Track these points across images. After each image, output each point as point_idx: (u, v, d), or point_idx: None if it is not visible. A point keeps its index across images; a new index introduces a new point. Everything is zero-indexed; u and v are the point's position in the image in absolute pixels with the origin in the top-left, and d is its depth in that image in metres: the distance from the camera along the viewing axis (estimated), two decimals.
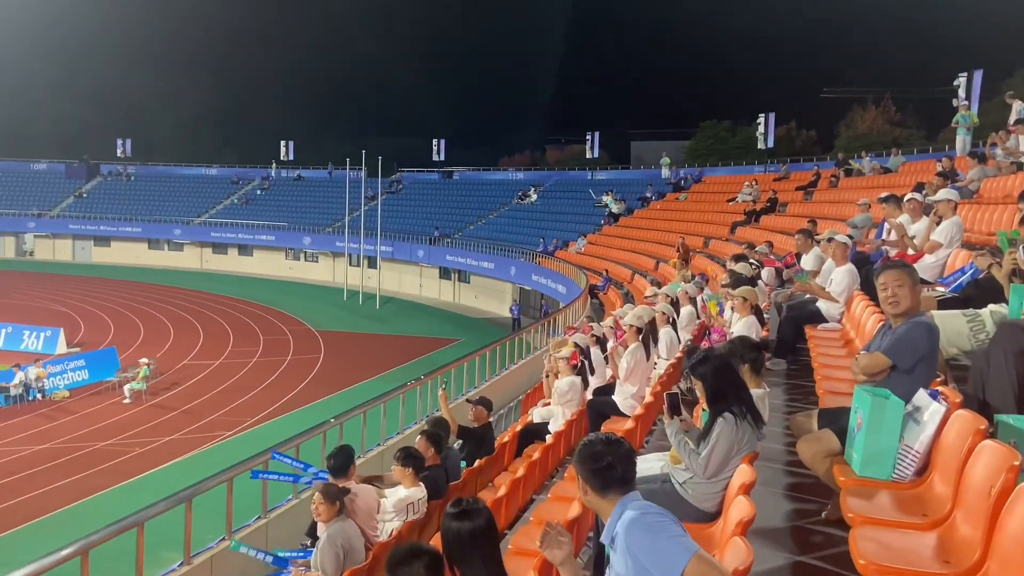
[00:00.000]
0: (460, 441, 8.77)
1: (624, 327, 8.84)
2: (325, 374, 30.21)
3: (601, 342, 9.94)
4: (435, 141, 64.89)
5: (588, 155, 58.46)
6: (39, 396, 26.01)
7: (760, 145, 44.81)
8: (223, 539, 7.88)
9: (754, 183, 36.05)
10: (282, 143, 70.65)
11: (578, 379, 9.02)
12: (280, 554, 6.19)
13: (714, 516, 4.37)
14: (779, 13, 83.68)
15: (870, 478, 3.79)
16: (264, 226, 60.81)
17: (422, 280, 53.45)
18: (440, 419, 8.35)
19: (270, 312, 44.21)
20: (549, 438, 8.35)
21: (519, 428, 9.71)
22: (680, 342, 10.05)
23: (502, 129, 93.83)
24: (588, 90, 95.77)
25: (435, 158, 64.76)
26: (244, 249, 62.50)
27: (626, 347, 8.59)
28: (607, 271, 32.14)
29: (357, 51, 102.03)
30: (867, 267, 9.23)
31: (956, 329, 4.68)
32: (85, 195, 69.67)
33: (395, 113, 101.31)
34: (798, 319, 8.77)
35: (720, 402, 4.41)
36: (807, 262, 10.70)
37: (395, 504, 6.40)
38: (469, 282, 50.45)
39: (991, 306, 5.01)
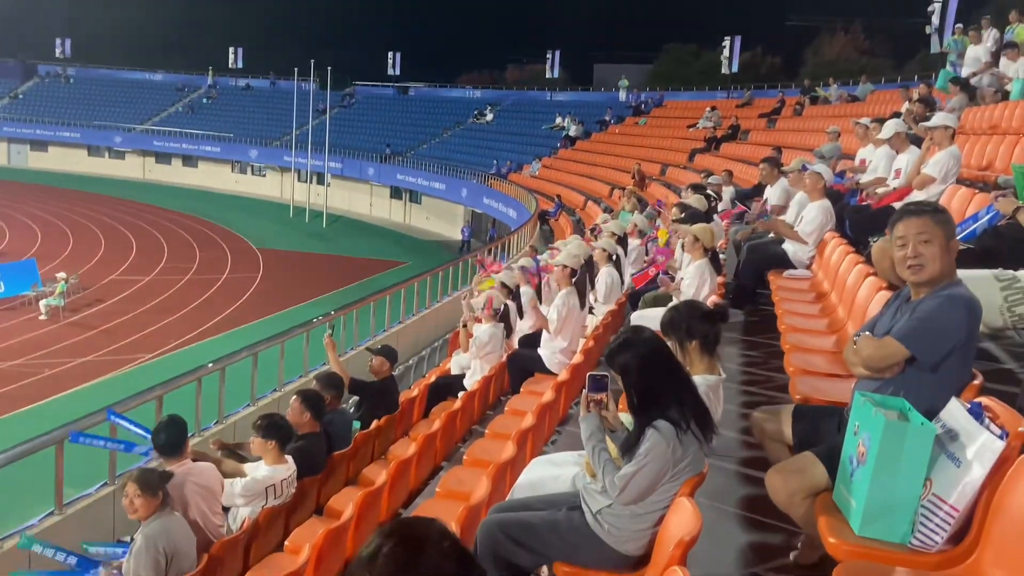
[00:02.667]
0: (356, 398, 7.49)
1: (555, 267, 7.50)
2: (260, 295, 28.70)
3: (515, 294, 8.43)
4: (390, 54, 62.19)
5: (548, 75, 56.37)
6: None
7: (724, 70, 43.25)
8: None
9: (715, 109, 34.69)
10: (231, 50, 67.28)
11: (500, 327, 7.73)
12: (91, 549, 4.91)
13: (637, 563, 3.14)
14: None
15: (876, 541, 2.52)
16: (209, 136, 58.16)
17: (372, 199, 51.63)
18: (330, 374, 7.02)
19: (210, 227, 42.24)
20: (462, 395, 7.08)
21: (432, 379, 8.45)
22: (624, 284, 8.79)
23: (462, 44, 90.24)
24: (551, 7, 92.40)
25: (390, 72, 62.18)
26: (188, 160, 60.00)
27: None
28: (559, 196, 30.77)
29: None
30: (841, 204, 8.01)
31: (984, 298, 3.31)
32: (21, 96, 66.19)
33: (350, 23, 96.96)
34: (760, 263, 7.54)
35: (651, 407, 3.12)
36: (772, 195, 9.41)
37: (245, 488, 5.12)
38: (420, 203, 48.79)
39: None
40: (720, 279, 7.11)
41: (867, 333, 3.19)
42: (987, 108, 11.99)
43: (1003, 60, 13.32)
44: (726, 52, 43.14)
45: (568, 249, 7.80)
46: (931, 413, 2.71)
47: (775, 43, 62.12)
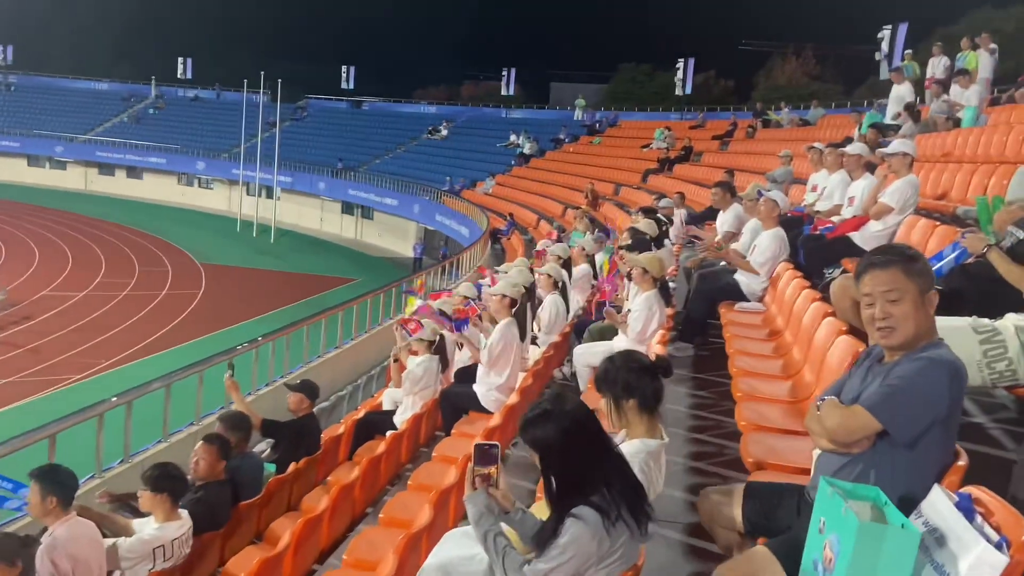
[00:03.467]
0: (270, 441, 6.86)
1: (491, 297, 6.96)
2: (200, 313, 27.70)
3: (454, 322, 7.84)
4: (344, 68, 61.54)
5: (504, 92, 56.16)
6: None
7: (678, 91, 43.44)
8: None
9: (669, 130, 34.65)
10: (179, 60, 66.05)
11: (435, 360, 7.16)
12: None
13: None
14: None
15: None
16: (155, 148, 56.70)
17: (323, 214, 50.72)
18: (234, 413, 6.37)
19: (152, 241, 40.99)
20: (389, 436, 6.50)
21: (359, 416, 7.83)
22: (569, 312, 8.30)
23: (417, 60, 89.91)
24: (508, 25, 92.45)
25: (344, 86, 61.48)
26: (133, 171, 58.46)
27: (480, 324, 6.77)
28: (511, 215, 30.33)
29: None
30: (795, 232, 7.64)
31: (961, 352, 2.83)
32: None
33: (303, 35, 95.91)
34: (711, 293, 7.11)
35: (572, 492, 2.61)
36: (725, 222, 9.02)
37: (130, 550, 4.50)
38: (372, 219, 48.00)
39: (1013, 317, 3.33)
40: (669, 311, 6.67)
41: (832, 398, 2.70)
42: (939, 135, 11.81)
43: (954, 88, 13.19)
44: (680, 74, 43.37)
45: (508, 277, 7.28)
46: (908, 501, 2.24)
47: (728, 66, 62.81)
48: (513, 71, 56.21)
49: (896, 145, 6.80)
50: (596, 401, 3.28)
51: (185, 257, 37.69)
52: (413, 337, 6.96)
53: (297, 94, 60.74)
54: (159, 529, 4.62)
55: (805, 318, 4.89)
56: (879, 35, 28.04)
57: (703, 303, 7.16)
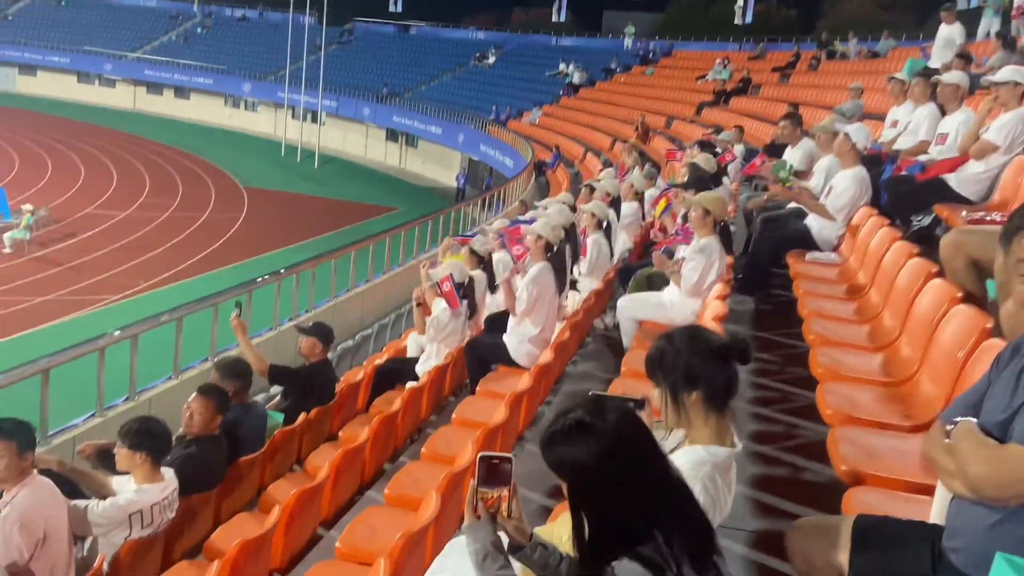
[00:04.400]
0: (279, 389, 6.27)
1: (528, 237, 6.20)
2: (240, 237, 27.41)
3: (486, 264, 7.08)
4: None
5: (555, 18, 54.18)
6: None
7: (737, 20, 41.39)
8: None
9: (727, 60, 33.05)
10: None
11: (463, 304, 6.46)
12: None
13: None
14: None
15: None
16: (202, 68, 56.18)
17: (368, 141, 49.97)
18: (232, 360, 5.78)
19: (197, 162, 40.72)
20: (407, 390, 5.85)
21: (380, 361, 7.21)
22: (614, 254, 7.53)
23: None
24: None
25: (392, 8, 59.96)
26: (180, 92, 58.16)
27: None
28: (557, 147, 29.27)
29: None
30: (875, 173, 6.74)
31: None
32: (10, 17, 64.04)
33: None
34: (777, 240, 6.28)
35: (612, 540, 1.88)
36: (793, 159, 8.05)
37: (102, 515, 3.95)
38: (417, 147, 47.16)
39: None
40: (729, 260, 5.87)
41: (968, 423, 1.93)
42: None
43: None
44: (739, 2, 41.23)
45: (546, 216, 6.52)
46: None
47: None
48: None
49: (1006, 73, 5.81)
50: (635, 383, 2.52)
51: (229, 180, 37.40)
52: (442, 284, 6.22)
53: (344, 16, 59.58)
54: (137, 492, 4.06)
55: (900, 278, 4.09)
56: None
57: (767, 250, 6.36)
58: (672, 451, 2.41)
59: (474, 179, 39.69)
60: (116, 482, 4.28)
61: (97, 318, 18.16)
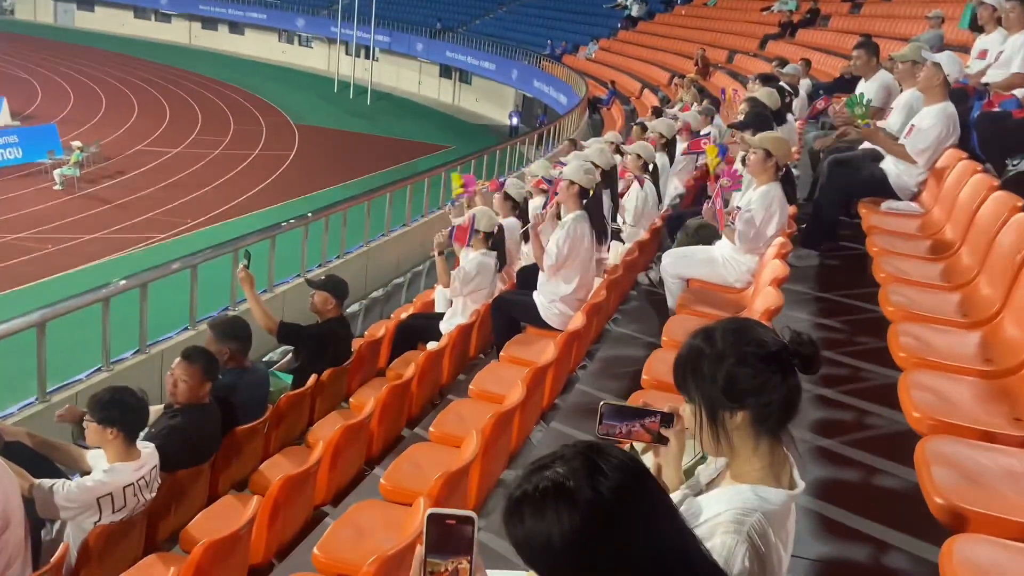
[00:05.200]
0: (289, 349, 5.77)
1: (560, 183, 5.53)
2: (290, 175, 27.13)
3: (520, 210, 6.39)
4: None
5: None
6: None
7: None
8: None
9: None
10: None
11: (491, 255, 5.88)
12: None
13: None
14: None
15: None
16: (256, 2, 55.78)
17: (421, 77, 49.17)
18: (228, 319, 5.27)
19: (250, 99, 40.49)
20: (427, 351, 5.31)
21: (409, 314, 6.68)
22: (661, 201, 6.83)
23: None
24: None
25: None
26: (235, 27, 57.98)
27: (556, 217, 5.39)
28: (613, 82, 28.17)
29: None
30: (964, 108, 5.92)
31: None
32: None
33: None
34: (848, 186, 5.54)
35: None
36: (867, 93, 7.18)
37: (67, 496, 3.50)
38: (471, 83, 46.21)
39: None
40: (791, 209, 5.15)
41: None
42: None
43: None
44: None
45: (581, 157, 5.84)
46: None
47: None
48: None
49: None
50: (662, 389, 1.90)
51: (280, 117, 37.13)
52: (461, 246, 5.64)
53: None
54: (107, 473, 3.62)
55: (1002, 237, 3.37)
56: None
57: (836, 198, 5.63)
58: (708, 485, 1.83)
59: (528, 117, 38.76)
60: (92, 456, 3.86)
61: (144, 257, 18.03)
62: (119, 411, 3.65)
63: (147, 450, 3.79)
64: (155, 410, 4.23)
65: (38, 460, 3.80)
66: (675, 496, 1.79)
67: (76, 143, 24.06)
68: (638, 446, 2.00)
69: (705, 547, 1.45)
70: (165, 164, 27.09)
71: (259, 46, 56.26)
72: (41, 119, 30.31)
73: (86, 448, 3.98)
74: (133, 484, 3.67)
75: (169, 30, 59.51)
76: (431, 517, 1.44)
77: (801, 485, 1.79)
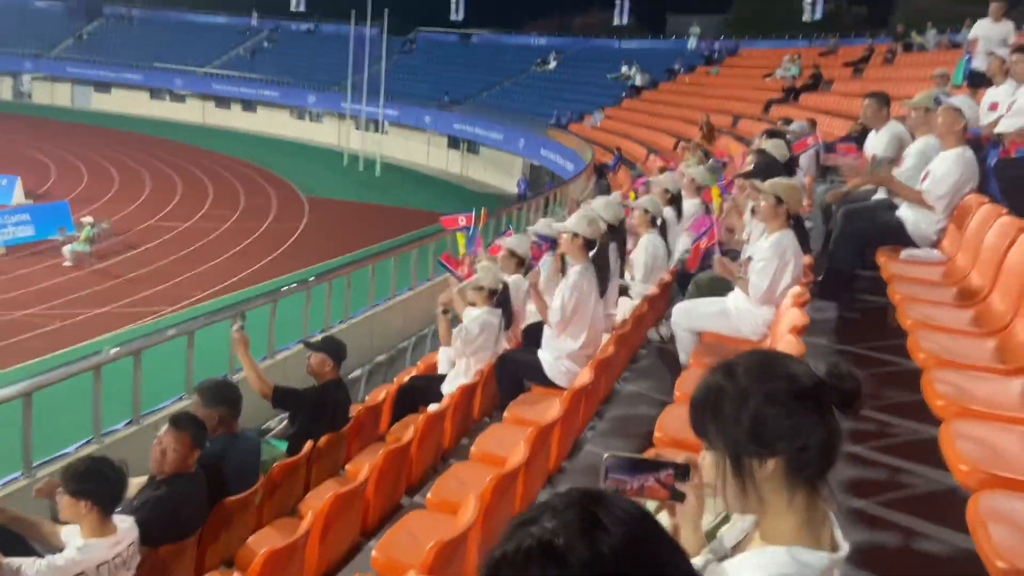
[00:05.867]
0: (285, 413, 5.56)
1: (563, 236, 5.33)
2: (299, 246, 27.23)
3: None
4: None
5: (616, 21, 53.31)
6: None
7: (806, 17, 39.98)
8: None
9: (796, 57, 31.70)
10: None
11: (496, 314, 5.67)
12: None
13: None
14: None
15: None
16: (269, 81, 57.06)
17: (429, 149, 49.86)
18: (218, 383, 5.05)
19: (261, 173, 41.00)
20: (434, 407, 5.08)
21: (411, 376, 6.47)
22: (673, 255, 6.65)
23: None
24: None
25: (453, 16, 59.79)
26: (248, 105, 59.28)
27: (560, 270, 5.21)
28: (619, 148, 28.34)
29: None
30: (981, 155, 5.76)
31: None
32: (86, 37, 66.24)
33: None
34: (863, 235, 5.34)
35: None
36: (877, 144, 7.05)
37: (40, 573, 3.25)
38: (478, 153, 46.82)
39: None
40: (807, 259, 4.95)
41: None
42: None
43: None
44: None
45: (585, 210, 5.68)
46: None
47: None
48: (627, 1, 53.24)
49: None
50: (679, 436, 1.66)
51: (290, 189, 37.49)
52: (466, 283, 5.49)
53: (407, 26, 59.75)
54: (80, 551, 3.38)
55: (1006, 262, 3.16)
56: None
57: (851, 248, 5.42)
58: (734, 549, 1.58)
59: (535, 184, 39.04)
60: (65, 532, 3.61)
61: (148, 330, 17.91)
62: (95, 483, 3.42)
63: (124, 524, 3.55)
64: (137, 482, 4.00)
65: (10, 538, 3.56)
66: (696, 562, 1.55)
67: (87, 219, 24.26)
68: (650, 505, 1.76)
69: None
70: (176, 238, 27.25)
71: (271, 122, 57.33)
72: (54, 197, 30.69)
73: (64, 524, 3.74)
74: (108, 562, 3.41)
75: (184, 110, 60.76)
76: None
77: (845, 547, 1.53)
